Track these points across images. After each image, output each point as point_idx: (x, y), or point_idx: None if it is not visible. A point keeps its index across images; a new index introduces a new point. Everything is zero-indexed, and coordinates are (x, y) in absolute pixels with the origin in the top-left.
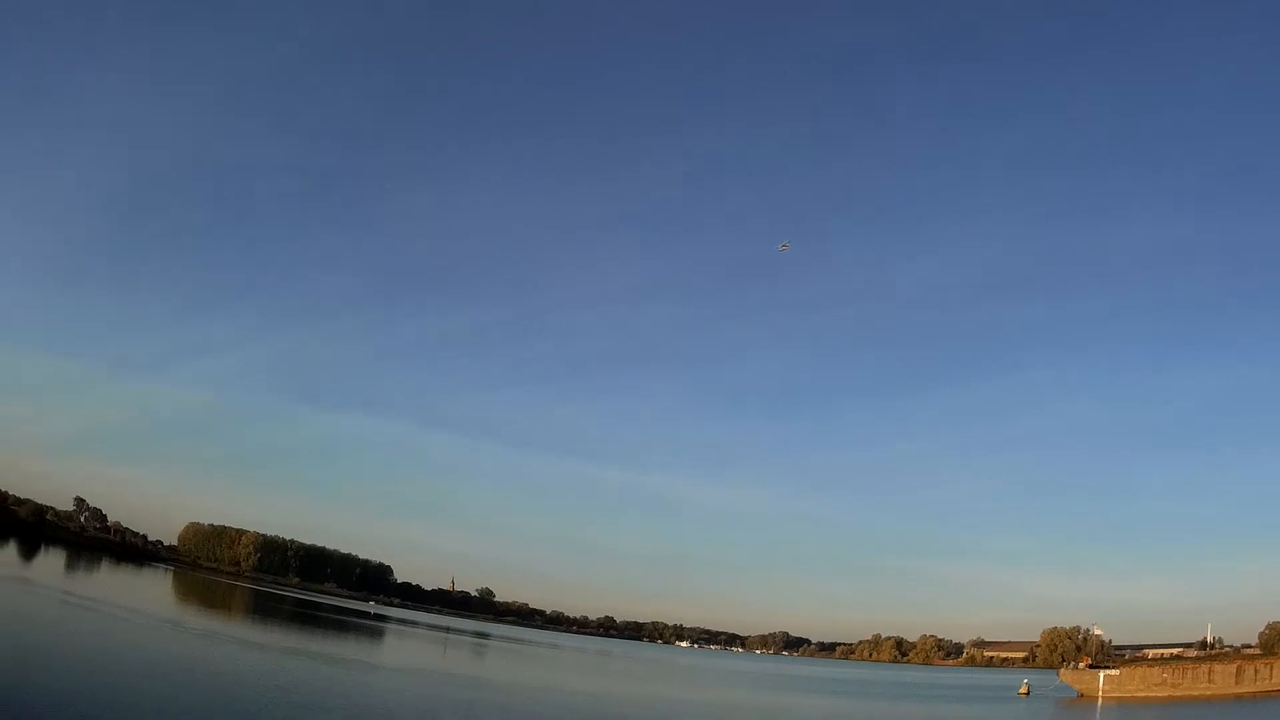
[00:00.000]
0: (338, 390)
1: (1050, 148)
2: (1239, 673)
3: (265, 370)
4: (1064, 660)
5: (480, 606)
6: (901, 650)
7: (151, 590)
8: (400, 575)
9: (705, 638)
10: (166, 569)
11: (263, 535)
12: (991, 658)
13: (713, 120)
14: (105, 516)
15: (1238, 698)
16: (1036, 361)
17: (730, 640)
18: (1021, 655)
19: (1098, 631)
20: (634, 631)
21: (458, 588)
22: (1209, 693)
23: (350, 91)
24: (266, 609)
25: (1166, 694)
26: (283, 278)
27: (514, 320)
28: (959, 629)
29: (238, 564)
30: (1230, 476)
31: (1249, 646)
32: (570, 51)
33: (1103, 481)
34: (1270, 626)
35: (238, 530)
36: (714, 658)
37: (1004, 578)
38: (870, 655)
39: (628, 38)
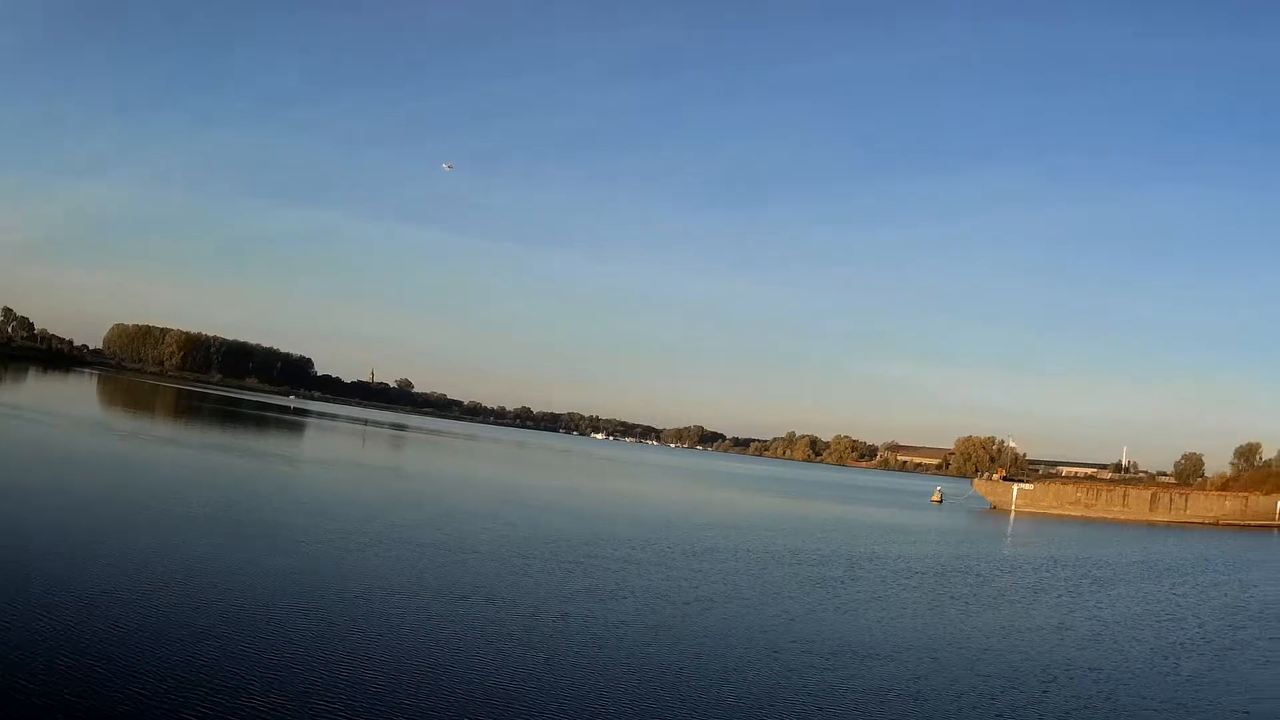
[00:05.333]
0: (270, 183)
1: None
2: (1153, 500)
3: (192, 168)
4: (978, 470)
5: (399, 398)
6: (816, 450)
7: (76, 394)
8: (321, 368)
9: (621, 429)
10: (92, 373)
11: (186, 333)
12: (905, 462)
13: None
14: (32, 325)
15: (1150, 524)
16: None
17: (645, 433)
18: (935, 462)
19: (1013, 444)
20: (550, 423)
21: (377, 379)
22: (1122, 517)
23: None
24: (189, 408)
25: (1080, 513)
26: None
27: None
28: (873, 431)
29: (161, 364)
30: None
31: (1164, 474)
32: None
33: (1049, 294)
34: (1186, 457)
35: (162, 330)
36: (630, 449)
37: (925, 382)
38: (784, 453)
39: None
